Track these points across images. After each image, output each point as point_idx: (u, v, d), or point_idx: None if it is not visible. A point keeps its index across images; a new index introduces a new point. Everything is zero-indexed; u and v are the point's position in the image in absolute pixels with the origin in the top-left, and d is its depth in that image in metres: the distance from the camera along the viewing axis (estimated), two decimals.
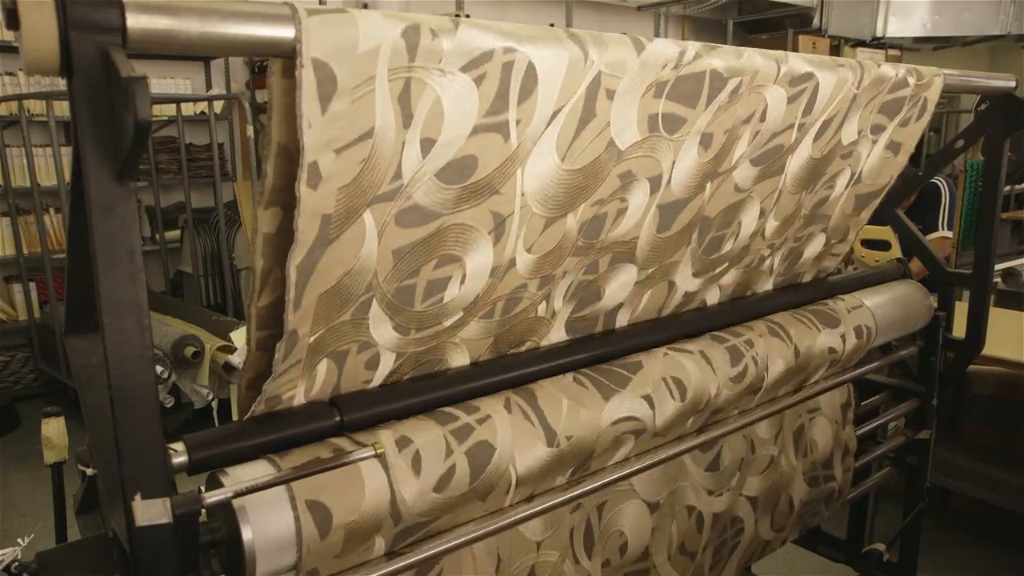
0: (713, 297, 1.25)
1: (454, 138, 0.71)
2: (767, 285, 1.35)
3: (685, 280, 1.14)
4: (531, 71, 0.72)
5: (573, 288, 0.99)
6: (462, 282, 0.83)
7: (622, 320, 1.11)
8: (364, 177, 0.67)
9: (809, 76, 1.00)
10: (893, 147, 1.31)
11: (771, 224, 1.19)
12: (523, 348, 1.00)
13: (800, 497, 1.40)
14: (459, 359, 0.93)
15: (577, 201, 0.86)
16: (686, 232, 1.04)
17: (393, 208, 0.72)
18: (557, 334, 1.03)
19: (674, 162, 0.93)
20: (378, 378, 0.86)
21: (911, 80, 1.19)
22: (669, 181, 0.94)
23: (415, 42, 0.63)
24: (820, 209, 1.28)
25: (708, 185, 1.01)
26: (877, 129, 1.23)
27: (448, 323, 0.86)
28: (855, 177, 1.29)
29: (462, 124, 0.71)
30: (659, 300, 1.14)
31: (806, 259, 1.38)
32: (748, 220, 1.14)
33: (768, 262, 1.29)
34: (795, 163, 1.13)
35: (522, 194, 0.80)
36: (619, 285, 1.03)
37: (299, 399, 0.80)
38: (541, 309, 0.96)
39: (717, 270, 1.18)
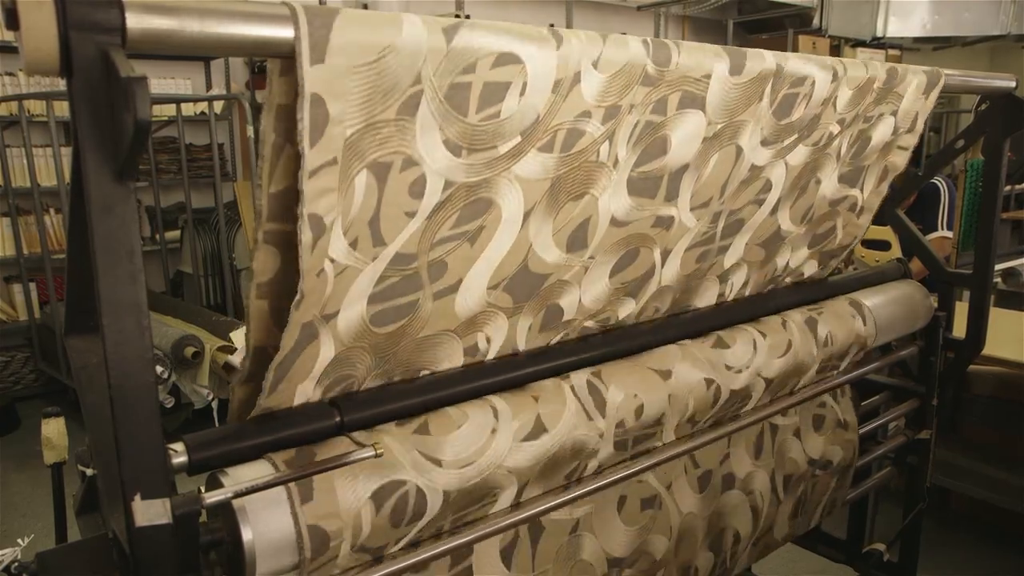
0: (779, 177, 1.17)
1: None
2: (833, 177, 1.28)
3: (753, 148, 1.06)
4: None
5: (639, 130, 0.90)
6: (522, 92, 0.74)
7: (685, 190, 1.02)
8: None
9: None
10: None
11: (844, 92, 1.13)
12: (581, 202, 0.91)
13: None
14: (513, 202, 0.84)
15: None
16: (758, 83, 0.97)
17: None
18: (618, 196, 0.95)
19: None
20: (422, 213, 0.76)
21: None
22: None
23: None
24: (891, 84, 1.21)
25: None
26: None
27: (504, 149, 0.78)
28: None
29: None
30: (725, 169, 1.05)
31: (873, 147, 1.31)
32: (821, 81, 1.07)
33: (836, 143, 1.22)
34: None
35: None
36: (686, 136, 0.96)
37: (337, 245, 0.71)
38: (604, 152, 0.88)
39: (786, 142, 1.10)
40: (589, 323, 1.06)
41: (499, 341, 0.96)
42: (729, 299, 1.28)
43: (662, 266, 1.09)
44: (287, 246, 0.69)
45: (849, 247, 1.46)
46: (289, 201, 0.67)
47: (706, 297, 1.24)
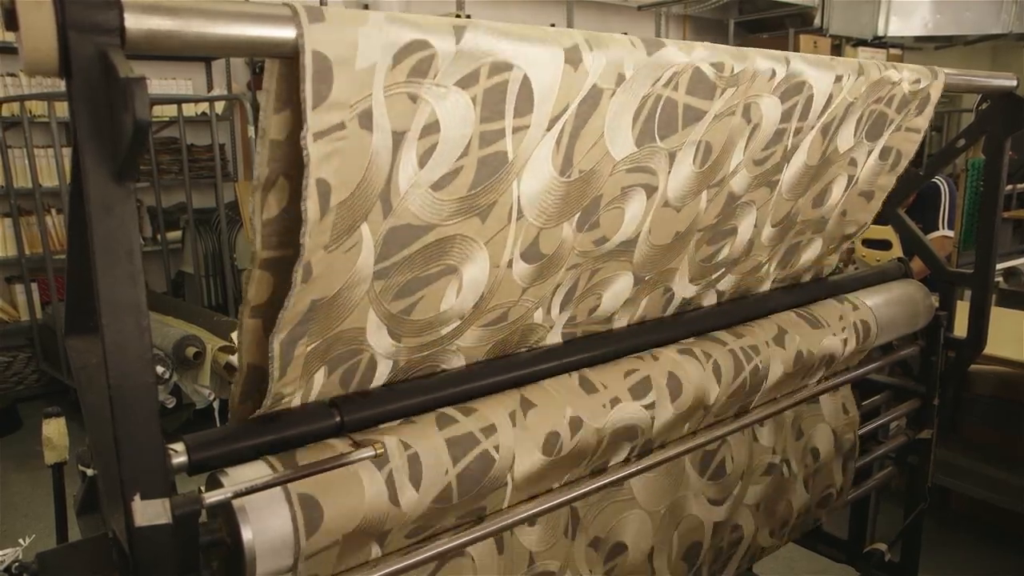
0: (711, 301, 1.25)
1: (450, 150, 0.71)
2: (764, 287, 1.35)
3: (683, 287, 1.14)
4: (527, 84, 0.72)
5: (570, 296, 0.98)
6: (458, 293, 0.82)
7: (620, 324, 1.10)
8: (360, 191, 0.67)
9: (802, 82, 1.00)
10: (887, 153, 1.31)
11: (767, 231, 1.19)
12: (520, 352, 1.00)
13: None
14: (456, 365, 0.93)
15: (573, 211, 0.86)
16: (683, 240, 1.04)
17: (389, 222, 0.72)
18: (554, 339, 1.03)
19: (670, 172, 0.93)
20: (376, 382, 0.86)
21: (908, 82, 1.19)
22: (665, 190, 0.94)
23: (412, 55, 0.63)
24: (817, 212, 1.28)
25: (704, 193, 1.01)
26: (873, 135, 1.23)
27: (445, 331, 0.86)
28: (853, 181, 1.29)
29: (459, 138, 0.71)
30: (656, 306, 1.14)
31: (804, 263, 1.38)
32: (745, 227, 1.14)
33: (765, 268, 1.29)
34: (791, 170, 1.13)
35: (518, 205, 0.80)
36: (616, 292, 1.03)
37: (296, 403, 0.80)
38: (538, 316, 0.96)
39: (714, 276, 1.18)
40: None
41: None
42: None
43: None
44: (282, 272, 0.70)
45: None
46: (283, 227, 0.68)
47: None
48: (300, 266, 0.66)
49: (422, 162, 0.70)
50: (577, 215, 0.87)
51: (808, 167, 1.15)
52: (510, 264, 0.85)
